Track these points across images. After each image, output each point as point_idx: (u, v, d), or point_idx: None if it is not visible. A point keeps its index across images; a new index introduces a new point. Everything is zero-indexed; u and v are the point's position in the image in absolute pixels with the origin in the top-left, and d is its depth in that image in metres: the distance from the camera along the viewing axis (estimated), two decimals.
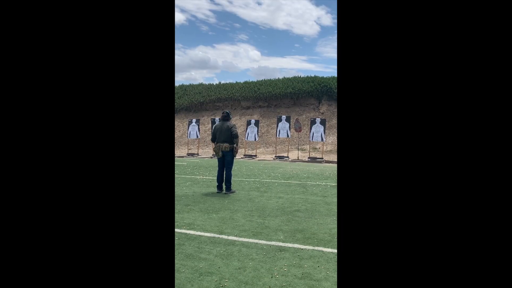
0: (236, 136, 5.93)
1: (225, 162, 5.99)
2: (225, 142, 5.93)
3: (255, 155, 16.41)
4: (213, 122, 17.07)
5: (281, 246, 3.21)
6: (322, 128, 14.90)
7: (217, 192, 6.02)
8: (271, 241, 3.37)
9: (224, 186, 6.09)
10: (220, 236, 3.57)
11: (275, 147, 17.11)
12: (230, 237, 3.50)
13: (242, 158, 16.19)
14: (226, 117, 6.08)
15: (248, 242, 3.36)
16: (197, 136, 17.53)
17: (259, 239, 3.42)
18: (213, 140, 6.11)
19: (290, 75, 31.77)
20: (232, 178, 6.49)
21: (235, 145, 5.94)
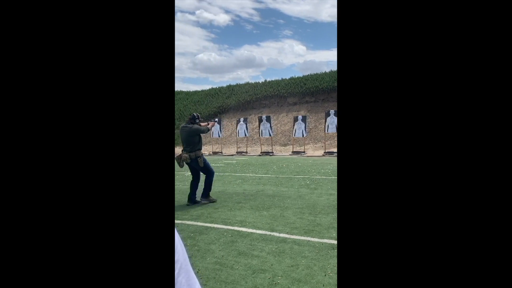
0: (203, 132, 5.09)
1: (200, 172, 5.12)
2: (186, 150, 5.01)
3: (304, 152, 16.24)
4: (260, 120, 17.20)
5: (333, 244, 3.15)
6: None
7: (187, 204, 5.06)
8: (323, 238, 3.32)
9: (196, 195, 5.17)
10: (272, 233, 3.59)
11: (324, 143, 16.77)
12: (282, 235, 3.51)
13: (290, 155, 16.11)
14: (190, 121, 5.15)
15: (300, 239, 3.34)
16: (245, 135, 17.78)
17: (311, 237, 3.39)
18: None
19: None
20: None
21: (197, 152, 5.02)
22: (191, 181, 5.19)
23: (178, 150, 6.95)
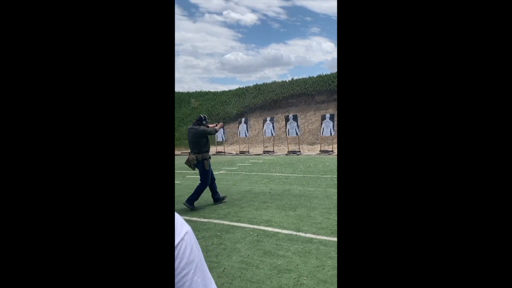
0: (210, 133, 5.02)
1: (199, 174, 5.02)
2: (194, 152, 4.95)
3: (332, 151, 15.99)
4: (286, 119, 17.12)
5: None
6: None
7: (216, 204, 5.12)
8: None
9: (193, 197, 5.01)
10: (298, 233, 3.57)
11: None
12: (308, 235, 3.48)
13: (318, 154, 15.92)
14: (197, 122, 5.09)
15: (326, 240, 3.30)
16: (272, 134, 17.77)
17: None
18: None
19: None
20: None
21: (205, 155, 4.91)
22: (198, 185, 5.03)
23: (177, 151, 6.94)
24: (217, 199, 5.16)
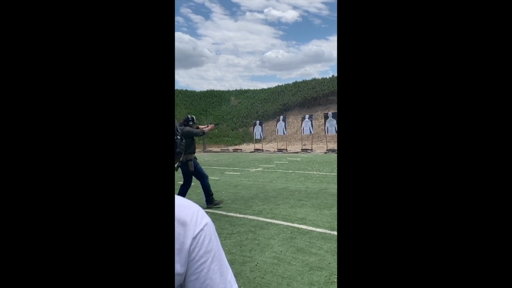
0: (196, 134, 4.82)
1: (182, 174, 4.93)
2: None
3: None
4: (325, 116, 16.86)
5: None
6: None
7: (210, 206, 4.93)
8: None
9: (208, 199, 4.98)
10: (332, 232, 3.56)
11: None
12: None
13: None
14: (183, 122, 4.96)
15: None
16: (311, 132, 17.59)
17: None
18: None
19: None
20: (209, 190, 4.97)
21: (189, 156, 4.76)
22: (181, 184, 4.95)
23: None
24: (210, 201, 4.96)
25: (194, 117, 5.07)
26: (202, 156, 14.29)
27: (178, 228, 0.64)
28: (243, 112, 26.16)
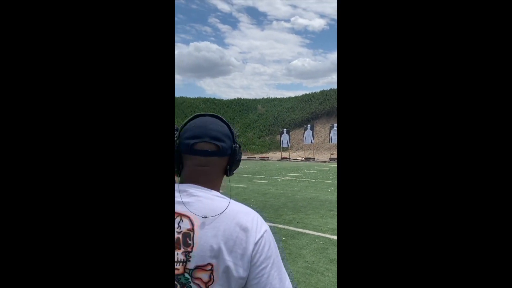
0: None
1: None
2: None
3: None
4: None
5: None
6: None
7: None
8: None
9: None
10: None
11: None
12: None
13: None
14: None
15: None
16: None
17: None
18: None
19: None
20: None
21: None
22: None
23: None
24: None
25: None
26: None
27: (240, 234, 0.66)
28: (270, 121, 26.21)
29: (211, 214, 0.68)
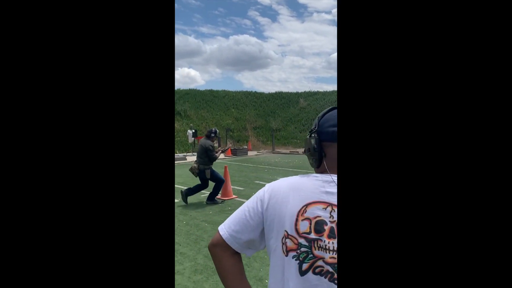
0: (212, 159, 5.60)
1: (200, 179, 5.79)
2: (198, 161, 5.69)
3: None
4: None
5: None
6: None
7: (208, 202, 5.88)
8: None
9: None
10: None
11: None
12: None
13: None
14: (207, 134, 5.82)
15: None
16: None
17: None
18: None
19: None
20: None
21: (206, 166, 5.63)
22: (198, 184, 5.84)
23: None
24: (184, 194, 5.73)
25: (217, 131, 5.90)
26: (271, 158, 14.30)
27: None
28: (312, 114, 25.71)
29: None
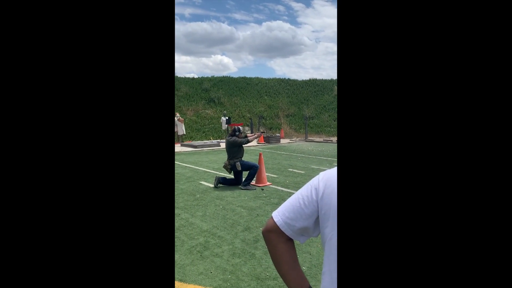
0: (241, 143, 5.95)
1: (234, 174, 6.19)
2: (228, 159, 6.06)
3: None
4: None
5: None
6: None
7: (241, 187, 6.12)
8: None
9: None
10: None
11: None
12: None
13: None
14: (231, 133, 6.14)
15: None
16: None
17: None
18: None
19: None
20: None
21: (236, 160, 5.99)
22: (232, 178, 6.24)
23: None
24: (217, 181, 6.14)
25: (240, 128, 6.19)
26: (304, 146, 14.19)
27: None
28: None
29: None
